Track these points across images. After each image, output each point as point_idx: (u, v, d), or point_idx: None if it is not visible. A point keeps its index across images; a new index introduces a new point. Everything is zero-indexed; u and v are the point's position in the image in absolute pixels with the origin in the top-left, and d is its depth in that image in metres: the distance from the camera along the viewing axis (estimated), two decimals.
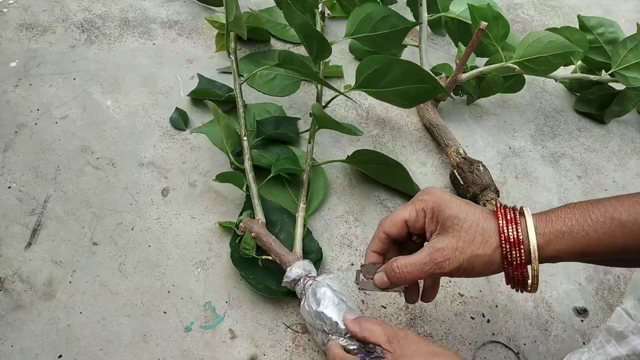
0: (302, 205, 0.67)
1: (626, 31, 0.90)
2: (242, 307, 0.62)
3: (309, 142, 0.74)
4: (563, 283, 0.70)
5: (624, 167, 0.89)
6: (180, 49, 0.92)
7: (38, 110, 0.78)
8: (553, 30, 0.85)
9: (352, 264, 0.68)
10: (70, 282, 0.61)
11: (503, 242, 0.48)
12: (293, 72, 0.78)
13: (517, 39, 0.89)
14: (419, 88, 0.67)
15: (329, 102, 0.77)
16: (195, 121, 0.80)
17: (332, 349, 0.53)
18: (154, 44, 0.92)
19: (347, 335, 0.53)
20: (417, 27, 0.95)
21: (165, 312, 0.60)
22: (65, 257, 0.63)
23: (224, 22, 0.77)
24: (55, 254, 0.63)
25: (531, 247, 0.47)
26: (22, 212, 0.66)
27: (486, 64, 0.87)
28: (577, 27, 0.89)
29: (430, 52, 0.96)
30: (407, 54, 0.97)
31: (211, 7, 1.00)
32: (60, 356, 0.55)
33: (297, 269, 0.59)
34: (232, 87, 0.78)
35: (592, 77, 0.91)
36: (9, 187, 0.68)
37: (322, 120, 0.70)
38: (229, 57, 0.78)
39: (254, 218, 0.65)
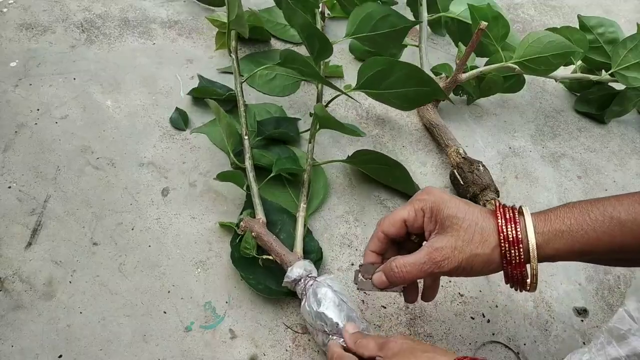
0: (302, 205, 0.67)
1: (626, 31, 0.90)
2: (242, 307, 0.62)
3: (310, 142, 0.74)
4: (563, 283, 0.70)
5: (624, 167, 0.89)
6: (180, 49, 0.92)
7: (38, 110, 0.78)
8: (553, 30, 0.85)
9: (352, 264, 0.68)
10: (70, 282, 0.61)
11: (502, 241, 0.48)
12: (293, 72, 0.78)
13: (517, 39, 0.89)
14: (418, 91, 0.67)
15: (329, 102, 0.77)
16: (195, 121, 0.81)
17: (331, 348, 0.53)
18: (154, 44, 0.92)
19: None
20: (417, 27, 0.95)
21: (165, 312, 0.60)
22: (65, 257, 0.63)
23: (225, 20, 0.77)
24: (55, 254, 0.63)
25: (530, 246, 0.47)
26: (22, 212, 0.66)
27: (486, 64, 0.87)
28: (577, 27, 0.89)
29: (430, 52, 0.96)
30: (407, 54, 0.97)
31: (211, 7, 1.00)
32: (60, 356, 0.55)
33: (298, 269, 0.59)
34: (232, 87, 0.78)
35: (592, 77, 0.91)
36: (9, 187, 0.68)
37: (324, 121, 0.70)
38: (230, 56, 0.78)
39: (254, 217, 0.65)
